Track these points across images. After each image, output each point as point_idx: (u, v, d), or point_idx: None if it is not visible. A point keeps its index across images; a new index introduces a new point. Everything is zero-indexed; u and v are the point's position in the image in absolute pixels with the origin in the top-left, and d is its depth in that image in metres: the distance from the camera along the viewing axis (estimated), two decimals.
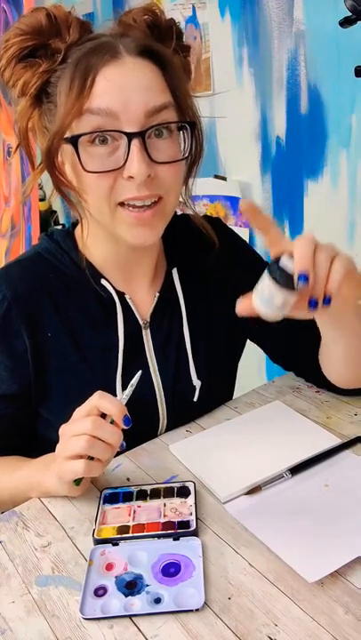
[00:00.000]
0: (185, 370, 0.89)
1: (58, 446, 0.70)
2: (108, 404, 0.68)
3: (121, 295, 0.84)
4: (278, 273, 0.63)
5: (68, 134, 0.70)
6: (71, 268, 0.82)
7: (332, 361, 0.87)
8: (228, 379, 1.00)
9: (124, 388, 0.82)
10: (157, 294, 0.87)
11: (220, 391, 0.96)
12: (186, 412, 0.90)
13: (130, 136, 0.68)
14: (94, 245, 0.82)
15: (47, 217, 2.63)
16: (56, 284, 0.82)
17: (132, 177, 0.69)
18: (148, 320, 0.86)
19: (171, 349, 0.88)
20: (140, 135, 0.68)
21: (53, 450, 0.75)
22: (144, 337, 0.86)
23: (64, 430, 0.70)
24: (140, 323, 0.86)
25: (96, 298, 0.83)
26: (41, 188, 2.27)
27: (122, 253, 0.82)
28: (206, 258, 0.90)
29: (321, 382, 0.92)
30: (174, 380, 0.88)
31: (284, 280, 0.63)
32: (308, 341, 0.85)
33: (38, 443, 0.88)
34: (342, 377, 0.89)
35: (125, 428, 0.68)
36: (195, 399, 0.89)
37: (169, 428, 0.90)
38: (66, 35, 0.71)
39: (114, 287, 0.83)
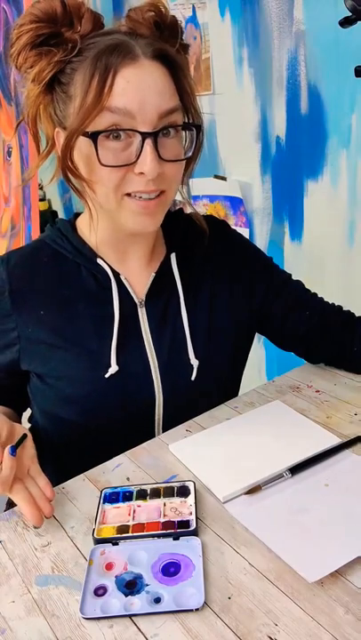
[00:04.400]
0: (182, 349, 0.90)
1: None
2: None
3: (116, 275, 0.88)
4: None
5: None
6: (70, 250, 0.88)
7: None
8: (232, 367, 0.99)
9: (118, 357, 0.86)
10: (153, 274, 0.90)
11: (220, 373, 0.95)
12: (184, 393, 0.91)
13: (144, 135, 0.73)
14: (93, 229, 0.86)
15: (47, 217, 2.63)
16: (53, 266, 0.87)
17: (142, 173, 0.74)
18: (144, 299, 0.89)
19: (167, 329, 0.90)
20: (153, 135, 0.74)
21: (49, 418, 0.90)
22: (139, 315, 0.89)
23: None
24: (136, 301, 0.89)
25: (93, 277, 0.88)
26: (41, 189, 2.27)
27: (119, 236, 0.87)
28: (207, 251, 0.95)
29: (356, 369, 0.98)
30: (170, 358, 0.89)
31: None
32: (340, 326, 0.92)
33: (32, 410, 0.95)
34: None
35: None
36: (192, 378, 0.90)
37: (167, 408, 0.90)
38: (77, 25, 0.75)
39: (110, 267, 0.88)
